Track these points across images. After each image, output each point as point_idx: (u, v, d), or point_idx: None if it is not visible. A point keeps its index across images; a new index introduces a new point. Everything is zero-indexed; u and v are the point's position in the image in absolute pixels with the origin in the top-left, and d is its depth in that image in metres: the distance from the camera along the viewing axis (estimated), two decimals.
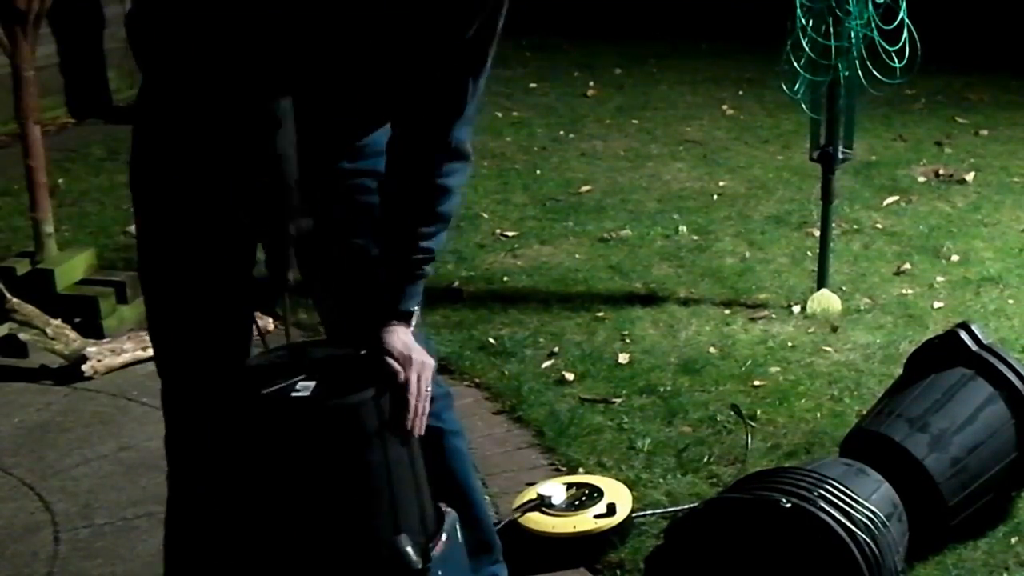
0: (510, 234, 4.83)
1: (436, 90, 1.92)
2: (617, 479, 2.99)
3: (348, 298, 2.10)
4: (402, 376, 1.90)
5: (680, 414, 3.39)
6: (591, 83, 7.36)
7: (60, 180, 5.38)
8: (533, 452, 3.26)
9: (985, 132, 6.19)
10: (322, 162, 1.95)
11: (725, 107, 6.79)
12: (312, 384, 1.84)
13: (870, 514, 2.47)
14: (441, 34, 1.86)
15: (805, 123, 4.24)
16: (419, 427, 1.91)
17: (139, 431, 3.36)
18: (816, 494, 2.47)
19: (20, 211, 4.86)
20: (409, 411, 1.88)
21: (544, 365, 3.71)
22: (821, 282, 4.11)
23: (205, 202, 2.00)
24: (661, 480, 3.06)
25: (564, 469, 3.15)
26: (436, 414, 2.04)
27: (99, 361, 3.69)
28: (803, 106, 3.91)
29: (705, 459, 3.16)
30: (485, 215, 5.03)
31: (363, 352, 1.93)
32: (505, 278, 4.40)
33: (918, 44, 3.65)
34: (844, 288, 4.22)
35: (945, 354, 2.89)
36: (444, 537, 1.98)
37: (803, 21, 3.70)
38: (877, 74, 3.70)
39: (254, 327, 2.11)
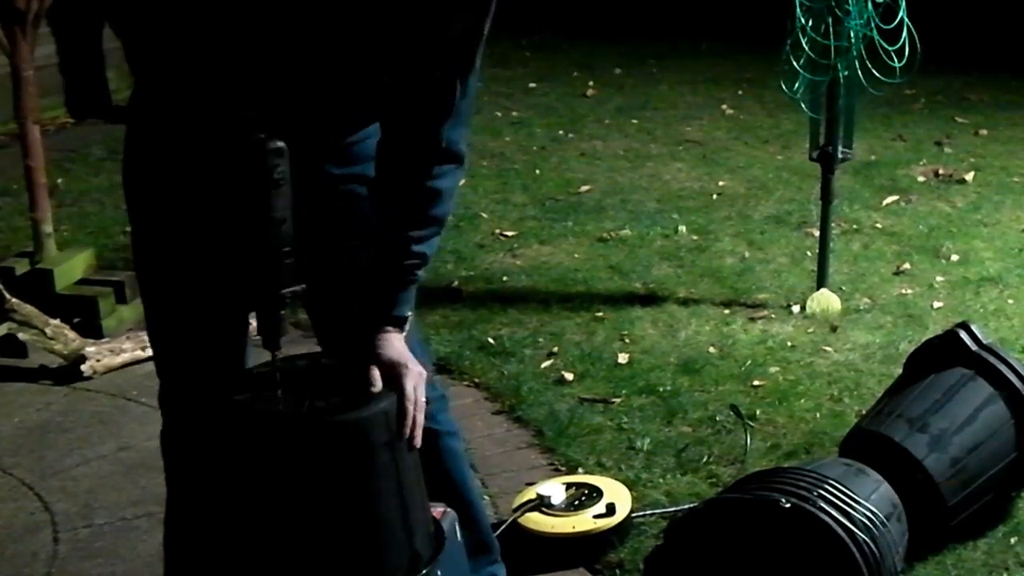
0: (510, 234, 4.83)
1: (424, 91, 1.90)
2: (617, 479, 2.98)
3: (339, 307, 2.08)
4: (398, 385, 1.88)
5: (680, 414, 3.39)
6: (591, 83, 7.36)
7: (60, 180, 5.38)
8: (532, 452, 3.26)
9: (985, 132, 6.19)
10: (308, 165, 1.93)
11: (725, 107, 6.78)
12: (305, 400, 1.82)
13: (870, 514, 2.47)
14: (426, 31, 1.84)
15: (805, 123, 4.23)
16: (416, 437, 1.89)
17: (139, 431, 3.35)
18: (816, 494, 2.47)
19: (20, 211, 4.86)
20: (406, 421, 1.85)
21: (544, 365, 3.71)
22: (821, 282, 4.10)
23: (198, 211, 1.99)
24: (661, 480, 3.06)
25: (563, 469, 3.15)
26: (431, 416, 2.03)
27: (98, 361, 3.69)
28: (803, 106, 3.91)
29: (705, 459, 3.16)
30: (485, 215, 5.03)
31: (356, 362, 1.90)
32: (505, 278, 4.40)
33: (918, 44, 3.65)
34: (844, 288, 4.22)
35: (945, 354, 2.89)
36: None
37: (803, 21, 3.70)
38: (877, 74, 3.70)
39: (250, 327, 2.10)
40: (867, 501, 2.51)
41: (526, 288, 4.31)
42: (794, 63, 3.75)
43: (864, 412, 3.13)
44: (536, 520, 2.78)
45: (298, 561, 1.83)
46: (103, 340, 3.83)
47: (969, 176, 5.44)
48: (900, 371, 3.04)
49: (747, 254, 4.59)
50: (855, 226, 4.86)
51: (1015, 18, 7.54)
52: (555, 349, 3.81)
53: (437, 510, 2.06)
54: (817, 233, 4.20)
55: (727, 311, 4.08)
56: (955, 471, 2.72)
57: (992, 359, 2.85)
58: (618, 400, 3.48)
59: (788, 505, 2.44)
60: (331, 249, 2.04)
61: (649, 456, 3.18)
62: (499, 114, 6.66)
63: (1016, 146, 5.96)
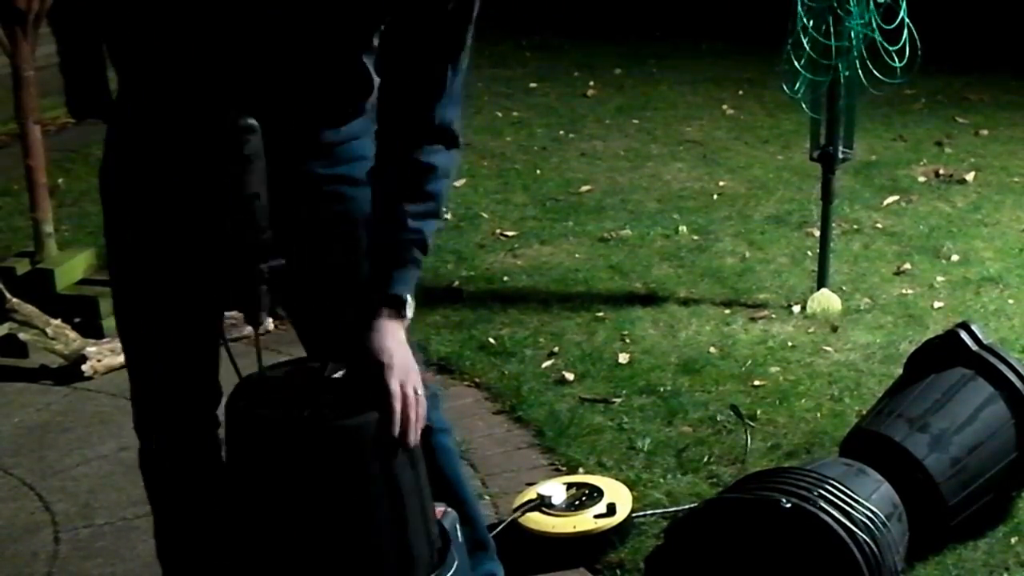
0: (510, 234, 4.83)
1: (415, 73, 1.91)
2: (617, 479, 2.99)
3: (324, 310, 2.07)
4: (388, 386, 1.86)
5: (680, 414, 3.39)
6: (591, 83, 7.36)
7: (60, 180, 5.38)
8: (533, 452, 3.26)
9: (985, 132, 6.19)
10: (291, 163, 1.92)
11: (725, 107, 6.78)
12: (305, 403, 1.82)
13: (870, 514, 2.47)
14: (412, 13, 1.86)
15: (805, 123, 4.24)
16: (409, 435, 1.85)
17: None
18: (816, 494, 2.47)
19: (20, 211, 4.86)
20: (395, 418, 1.83)
21: (544, 365, 3.71)
22: (821, 282, 4.11)
23: (177, 200, 1.98)
24: (661, 480, 3.06)
25: (564, 469, 3.15)
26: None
27: (99, 361, 3.69)
28: (803, 106, 3.91)
29: (705, 459, 3.16)
30: (485, 215, 5.03)
31: (345, 359, 1.88)
32: (505, 278, 4.40)
33: (918, 44, 3.65)
34: (844, 288, 4.22)
35: (945, 354, 2.89)
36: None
37: (804, 20, 3.70)
38: (877, 74, 3.70)
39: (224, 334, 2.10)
40: (867, 501, 2.51)
41: (527, 288, 4.31)
42: (795, 63, 3.75)
43: (864, 412, 3.12)
44: (537, 520, 2.78)
45: (295, 565, 1.83)
46: (104, 340, 3.83)
47: (969, 176, 5.45)
48: (900, 371, 3.04)
49: (747, 254, 4.59)
50: (855, 226, 4.86)
51: (1015, 18, 7.54)
52: (556, 349, 3.81)
53: (438, 509, 2.05)
54: (817, 233, 4.20)
55: (727, 311, 4.08)
56: (955, 471, 2.72)
57: (992, 359, 2.86)
58: (619, 400, 3.48)
59: (789, 505, 2.44)
60: (315, 249, 2.03)
61: (650, 456, 3.18)
62: (499, 114, 6.66)
63: (1016, 146, 5.96)
